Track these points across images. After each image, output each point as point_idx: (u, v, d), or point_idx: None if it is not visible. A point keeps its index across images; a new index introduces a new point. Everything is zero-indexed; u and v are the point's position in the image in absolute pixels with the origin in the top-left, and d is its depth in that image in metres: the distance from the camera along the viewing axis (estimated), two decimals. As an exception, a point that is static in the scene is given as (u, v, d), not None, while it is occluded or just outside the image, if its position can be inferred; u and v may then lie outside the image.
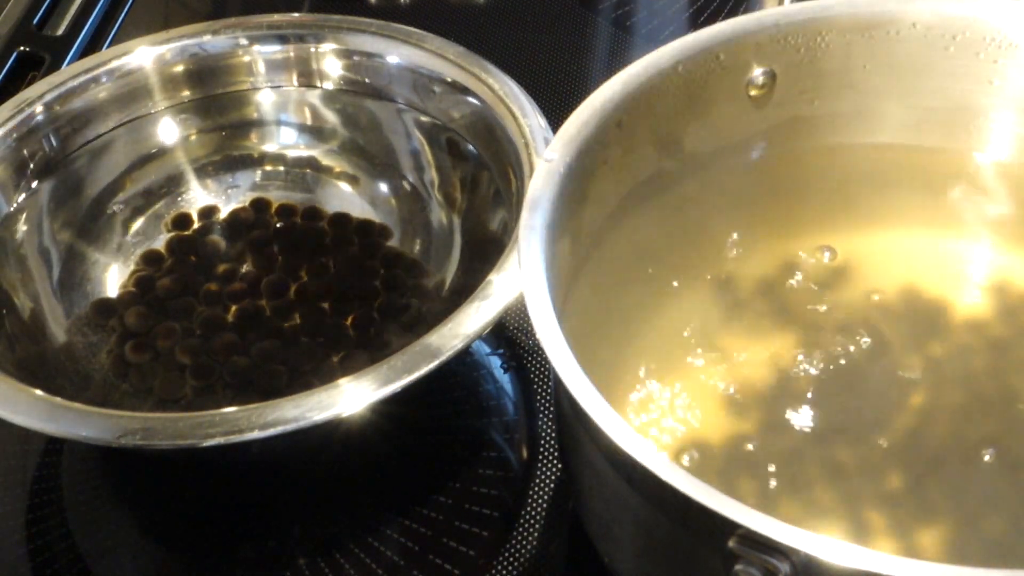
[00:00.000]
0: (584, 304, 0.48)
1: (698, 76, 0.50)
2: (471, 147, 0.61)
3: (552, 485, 0.54)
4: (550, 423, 0.56)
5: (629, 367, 0.49)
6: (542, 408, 0.57)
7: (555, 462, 0.55)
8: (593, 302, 0.49)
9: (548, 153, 0.46)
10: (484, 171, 0.60)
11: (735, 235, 0.53)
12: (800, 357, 0.49)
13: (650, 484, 0.36)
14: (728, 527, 0.34)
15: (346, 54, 0.64)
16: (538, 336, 0.39)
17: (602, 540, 0.45)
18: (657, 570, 0.43)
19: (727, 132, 0.52)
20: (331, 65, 0.65)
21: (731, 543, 0.35)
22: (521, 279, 0.41)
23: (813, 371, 0.49)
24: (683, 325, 0.51)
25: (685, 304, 0.51)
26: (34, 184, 0.61)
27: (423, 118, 0.63)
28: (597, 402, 0.38)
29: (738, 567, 0.35)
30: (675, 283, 0.51)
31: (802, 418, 0.48)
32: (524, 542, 0.52)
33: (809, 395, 0.48)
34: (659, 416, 0.48)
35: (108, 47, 0.78)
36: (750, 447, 0.47)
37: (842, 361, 0.49)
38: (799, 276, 0.52)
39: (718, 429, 0.47)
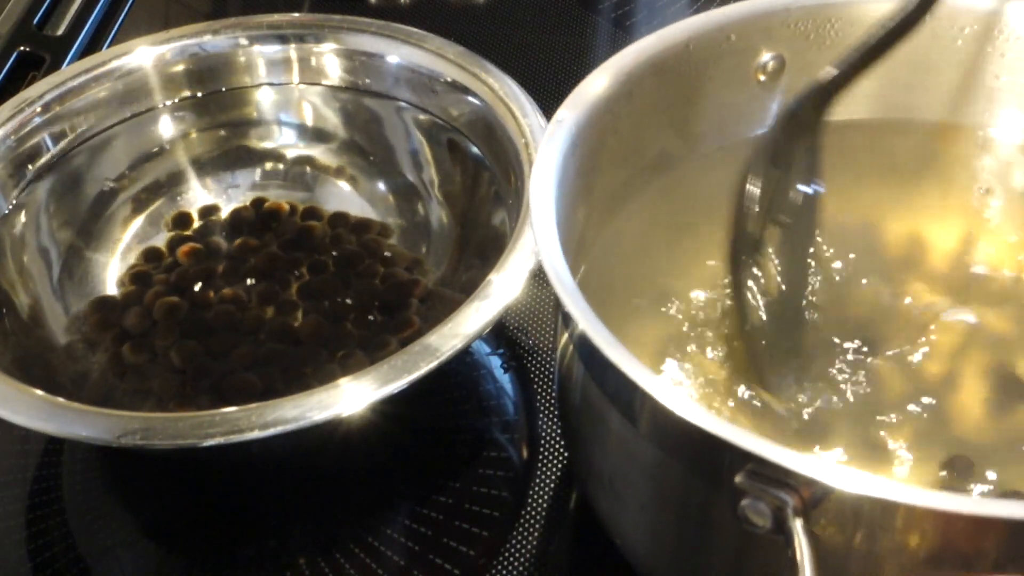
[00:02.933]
0: (593, 277, 0.48)
1: (708, 55, 0.50)
2: (471, 146, 0.61)
3: (553, 485, 0.54)
4: (550, 423, 0.56)
5: (642, 333, 0.49)
6: (542, 408, 0.57)
7: (556, 462, 0.55)
8: (603, 275, 0.49)
9: (559, 114, 0.45)
10: (484, 170, 0.60)
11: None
12: (815, 314, 0.49)
13: (659, 421, 0.36)
14: (736, 458, 0.34)
15: (346, 54, 0.65)
16: (544, 264, 0.39)
17: (604, 499, 0.45)
18: (660, 522, 0.42)
19: (735, 114, 0.52)
20: (331, 65, 0.65)
21: (738, 479, 0.34)
22: (530, 197, 0.42)
23: (827, 323, 0.48)
24: (692, 305, 0.50)
25: (693, 284, 0.51)
26: (34, 183, 0.61)
27: (423, 117, 0.63)
28: (603, 332, 0.37)
29: (744, 503, 0.34)
30: (682, 256, 0.51)
31: (815, 368, 0.47)
32: (524, 542, 0.52)
33: (823, 349, 0.47)
34: (670, 368, 0.47)
35: (108, 47, 0.78)
36: (761, 402, 0.46)
37: (859, 317, 0.48)
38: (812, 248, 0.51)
39: (732, 392, 0.47)
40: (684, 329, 0.49)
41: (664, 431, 0.38)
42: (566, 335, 0.43)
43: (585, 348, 0.38)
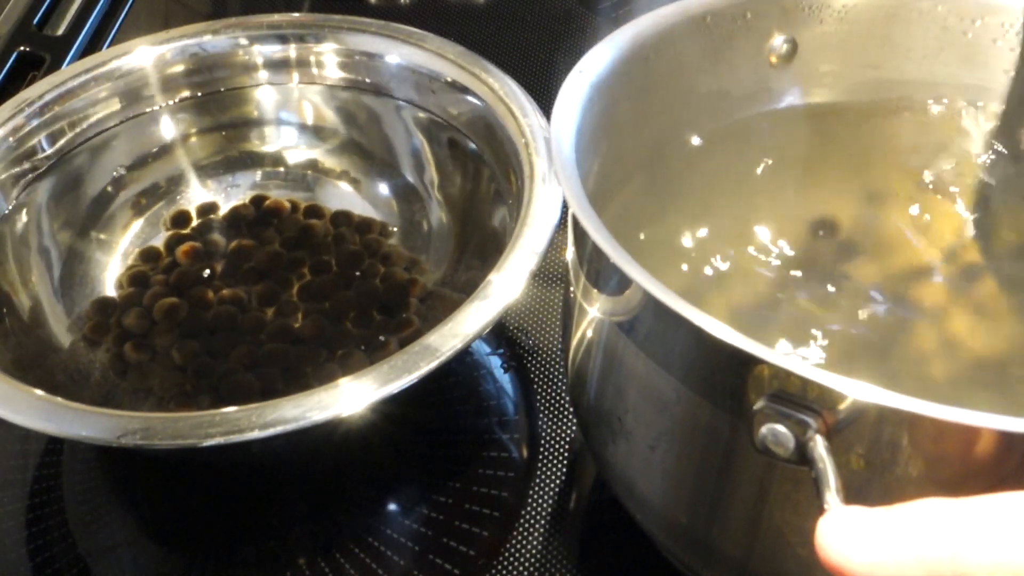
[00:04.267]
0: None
1: (724, 31, 0.50)
2: (471, 146, 0.61)
3: (553, 485, 0.54)
4: (550, 423, 0.56)
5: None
6: (542, 408, 0.57)
7: (556, 462, 0.55)
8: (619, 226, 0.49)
9: (580, 65, 0.46)
10: (484, 170, 0.60)
11: (752, 192, 0.52)
12: (823, 284, 0.48)
13: (675, 340, 0.35)
14: (758, 381, 0.34)
15: (346, 54, 0.65)
16: (563, 188, 0.39)
17: (611, 442, 0.44)
18: (677, 463, 0.41)
19: (746, 92, 0.52)
20: (331, 65, 0.65)
21: (758, 404, 0.34)
22: (551, 133, 0.42)
23: (831, 292, 0.48)
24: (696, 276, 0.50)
25: (700, 255, 0.51)
26: (34, 184, 0.61)
27: (423, 117, 0.63)
28: (613, 245, 0.37)
29: (764, 430, 0.34)
30: (690, 235, 0.51)
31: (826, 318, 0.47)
32: (524, 542, 0.52)
33: (835, 312, 0.47)
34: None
35: (108, 47, 0.78)
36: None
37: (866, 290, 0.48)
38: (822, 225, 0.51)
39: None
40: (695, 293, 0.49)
41: (684, 356, 0.37)
42: (581, 266, 0.43)
43: (602, 266, 0.38)
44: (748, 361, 0.34)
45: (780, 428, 0.34)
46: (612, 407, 0.43)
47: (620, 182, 0.50)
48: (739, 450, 0.37)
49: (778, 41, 0.51)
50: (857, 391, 0.32)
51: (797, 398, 0.33)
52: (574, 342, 0.46)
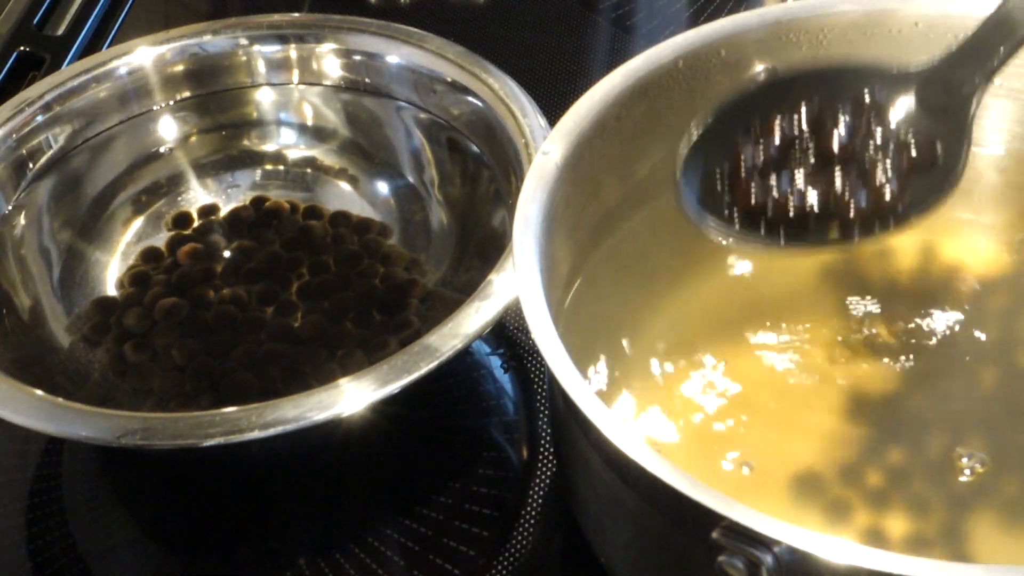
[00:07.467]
0: (582, 301, 0.48)
1: (699, 72, 0.50)
2: (471, 146, 0.61)
3: (552, 485, 0.54)
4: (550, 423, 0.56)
5: (629, 364, 0.49)
6: (542, 408, 0.57)
7: (555, 461, 0.55)
8: (591, 299, 0.49)
9: (545, 146, 0.45)
10: (484, 170, 0.60)
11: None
12: (802, 357, 0.49)
13: (639, 478, 0.36)
14: (712, 518, 0.34)
15: (346, 54, 0.65)
16: (532, 333, 0.39)
17: (594, 532, 0.45)
18: (645, 561, 0.43)
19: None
20: (331, 65, 0.65)
21: (715, 534, 0.35)
22: (515, 275, 0.41)
23: (813, 375, 0.49)
24: (682, 326, 0.50)
25: (684, 305, 0.51)
26: (34, 184, 0.61)
27: (423, 117, 0.63)
28: (589, 398, 0.37)
29: (721, 558, 0.35)
30: (675, 283, 0.51)
31: (800, 416, 0.47)
32: (524, 542, 0.52)
33: (809, 395, 0.48)
34: (656, 410, 0.48)
35: (108, 47, 0.78)
36: (743, 443, 0.46)
37: (849, 362, 0.49)
38: (799, 277, 0.52)
39: (714, 427, 0.47)
40: (674, 347, 0.49)
41: (645, 486, 0.38)
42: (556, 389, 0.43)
43: (571, 408, 0.38)
44: (693, 503, 0.35)
45: (735, 560, 0.35)
46: (593, 505, 0.44)
47: (599, 241, 0.50)
48: (703, 573, 0.38)
49: (758, 70, 0.51)
50: (796, 539, 0.33)
51: (749, 532, 0.34)
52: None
